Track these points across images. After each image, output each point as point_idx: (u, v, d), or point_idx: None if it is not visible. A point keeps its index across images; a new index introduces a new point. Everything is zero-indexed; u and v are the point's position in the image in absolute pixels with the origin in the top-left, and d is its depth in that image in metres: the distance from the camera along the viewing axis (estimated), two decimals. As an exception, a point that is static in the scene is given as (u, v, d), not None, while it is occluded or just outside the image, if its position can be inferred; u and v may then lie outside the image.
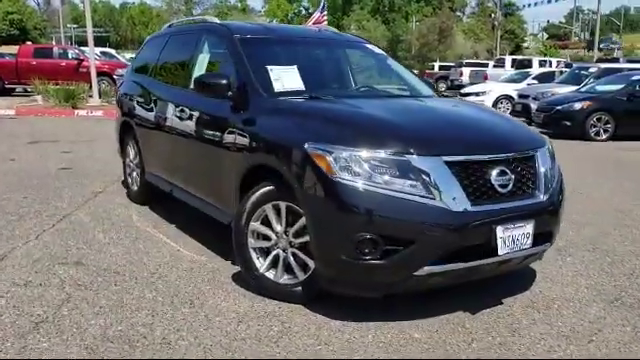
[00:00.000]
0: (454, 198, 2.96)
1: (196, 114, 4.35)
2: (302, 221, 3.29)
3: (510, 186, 3.15)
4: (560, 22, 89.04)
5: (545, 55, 43.69)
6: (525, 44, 65.86)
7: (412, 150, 3.00)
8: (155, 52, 5.54)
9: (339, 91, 4.49)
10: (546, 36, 69.03)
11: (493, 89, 18.79)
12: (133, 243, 4.54)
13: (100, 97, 16.40)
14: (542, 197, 3.29)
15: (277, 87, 3.86)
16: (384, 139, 3.07)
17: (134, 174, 5.79)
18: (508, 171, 3.15)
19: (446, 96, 4.57)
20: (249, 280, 3.60)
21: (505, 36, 56.17)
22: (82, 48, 23.15)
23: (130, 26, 46.26)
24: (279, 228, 3.43)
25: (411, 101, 4.15)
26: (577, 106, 12.12)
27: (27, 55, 20.94)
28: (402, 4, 66.10)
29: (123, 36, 44.70)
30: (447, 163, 3.02)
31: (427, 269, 2.99)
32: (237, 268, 3.97)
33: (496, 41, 45.57)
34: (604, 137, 12.14)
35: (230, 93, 3.87)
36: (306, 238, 3.30)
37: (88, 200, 5.88)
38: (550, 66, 26.20)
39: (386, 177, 2.96)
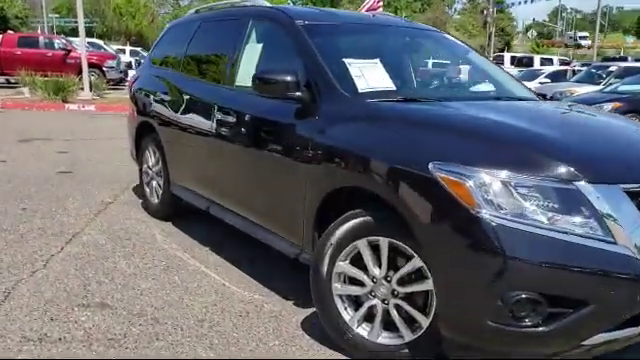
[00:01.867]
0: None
1: (247, 118, 3.54)
2: (413, 264, 2.50)
3: None
4: (544, 20, 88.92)
5: (538, 53, 43.27)
6: (515, 41, 65.52)
7: (583, 175, 2.21)
8: (181, 42, 4.69)
9: (434, 91, 3.68)
10: (535, 34, 68.68)
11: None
12: (165, 274, 3.70)
13: (91, 90, 15.39)
14: None
15: (361, 86, 3.05)
16: (544, 160, 2.28)
17: (154, 184, 4.94)
18: None
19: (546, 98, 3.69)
20: (331, 334, 2.81)
21: (496, 33, 55.64)
22: (69, 38, 22.00)
23: (117, 17, 44.88)
24: (377, 272, 2.63)
25: (533, 106, 3.35)
26: (606, 107, 11.42)
27: (11, 44, 19.79)
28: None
29: (109, 27, 43.32)
30: (629, 194, 2.23)
31: (600, 337, 2.22)
32: (303, 311, 3.19)
33: (489, 38, 44.92)
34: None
35: (298, 93, 3.06)
36: (417, 287, 2.53)
37: (98, 213, 5.02)
38: (552, 64, 25.62)
39: (549, 213, 2.17)
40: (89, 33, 30.33)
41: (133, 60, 26.16)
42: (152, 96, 4.77)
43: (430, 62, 4.19)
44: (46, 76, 15.66)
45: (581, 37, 61.03)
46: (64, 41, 20.71)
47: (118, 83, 20.76)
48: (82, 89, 15.11)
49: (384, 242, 2.58)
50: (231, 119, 3.63)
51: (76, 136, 9.39)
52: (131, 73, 16.29)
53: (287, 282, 3.59)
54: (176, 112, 4.36)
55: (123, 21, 44.56)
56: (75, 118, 11.98)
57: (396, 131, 2.61)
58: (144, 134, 5.02)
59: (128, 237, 4.41)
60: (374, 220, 2.60)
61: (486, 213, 2.18)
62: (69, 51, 19.62)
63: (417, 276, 2.53)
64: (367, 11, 11.06)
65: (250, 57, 3.76)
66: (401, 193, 2.44)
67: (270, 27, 3.73)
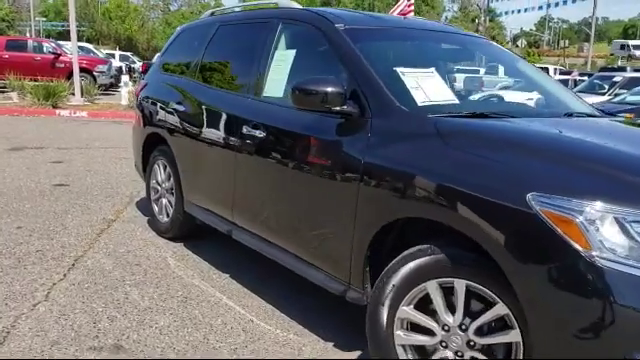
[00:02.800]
0: None
1: (280, 134, 3.14)
2: (496, 311, 2.12)
3: None
4: (530, 29, 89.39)
5: (529, 62, 43.22)
6: (505, 50, 65.57)
7: None
8: (196, 48, 4.28)
9: (498, 105, 3.28)
10: (525, 43, 68.96)
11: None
12: (184, 308, 3.29)
13: (82, 95, 14.89)
14: None
15: (420, 99, 2.66)
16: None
17: (164, 201, 4.51)
18: None
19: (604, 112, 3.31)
20: (391, 389, 2.40)
21: (487, 42, 55.60)
22: (59, 42, 21.46)
23: (106, 21, 44.23)
24: (450, 319, 2.24)
25: (617, 126, 2.98)
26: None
27: (-2, 47, 19.23)
28: (382, 7, 65.24)
29: (98, 31, 42.69)
30: None
31: None
32: (350, 355, 2.78)
33: (481, 46, 44.87)
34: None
35: (345, 107, 2.67)
36: (499, 338, 2.14)
37: (101, 232, 4.58)
38: (547, 73, 25.44)
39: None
40: (78, 37, 29.73)
41: (123, 65, 25.65)
42: (163, 106, 4.35)
43: (482, 70, 3.81)
44: (35, 80, 15.15)
45: (635, 46, 54.26)
46: (53, 45, 20.18)
47: (108, 88, 20.25)
48: (73, 94, 14.60)
49: (460, 285, 2.19)
50: (260, 134, 3.23)
51: (70, 144, 8.91)
52: (124, 79, 15.80)
53: (324, 316, 3.20)
54: (193, 124, 3.96)
55: (113, 25, 43.95)
56: (67, 125, 11.49)
57: (478, 154, 2.21)
58: (153, 146, 4.60)
59: (137, 262, 3.98)
60: (448, 259, 2.21)
61: (602, 256, 1.80)
62: (58, 55, 19.08)
63: (500, 325, 2.15)
64: (399, 15, 10.69)
65: (280, 65, 3.36)
66: (487, 229, 2.05)
67: (304, 31, 3.34)
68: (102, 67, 20.04)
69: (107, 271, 3.77)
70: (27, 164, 7.18)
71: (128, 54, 32.81)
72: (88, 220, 4.90)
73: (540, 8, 35.22)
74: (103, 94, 17.91)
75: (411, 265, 2.31)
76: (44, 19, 51.05)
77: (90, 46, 26.40)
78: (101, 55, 24.45)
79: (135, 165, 5.17)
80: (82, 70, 17.52)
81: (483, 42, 3.81)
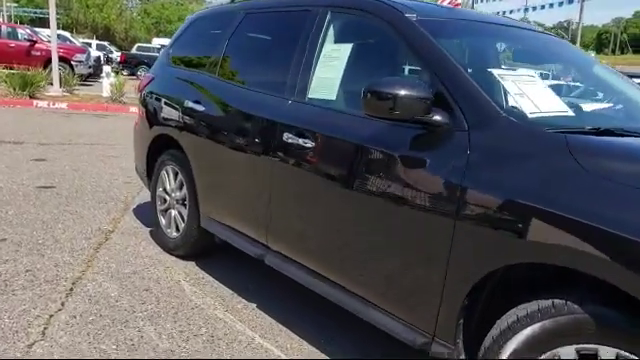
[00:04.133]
0: None
1: (339, 145, 2.60)
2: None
3: None
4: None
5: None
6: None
7: None
8: (215, 39, 3.72)
9: (612, 119, 2.75)
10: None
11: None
12: (212, 349, 2.74)
13: (61, 86, 14.09)
14: None
15: (529, 109, 2.15)
16: None
17: (173, 213, 3.93)
18: None
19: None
20: None
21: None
22: (35, 29, 20.50)
23: (83, 8, 42.85)
24: (591, 394, 1.73)
25: None
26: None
27: (-30, 33, 18.24)
28: None
29: (74, 18, 41.33)
30: None
31: None
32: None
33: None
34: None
35: (432, 116, 2.15)
36: None
37: (99, 247, 3.99)
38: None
39: None
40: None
41: (102, 55, 24.72)
42: (176, 104, 3.77)
43: (569, 74, 3.32)
44: (10, 68, 14.30)
45: None
46: (29, 31, 19.24)
47: (86, 79, 19.38)
48: (51, 84, 13.80)
49: (608, 353, 1.69)
50: (307, 144, 2.69)
51: (52, 139, 8.21)
52: (105, 69, 15.03)
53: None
54: (215, 127, 3.40)
55: (90, 13, 42.61)
56: (47, 117, 10.73)
57: (634, 185, 1.70)
58: (161, 149, 4.02)
59: (146, 286, 3.41)
60: (593, 320, 1.70)
61: None
62: (34, 42, 18.18)
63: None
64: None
65: (330, 62, 2.82)
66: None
67: (362, 22, 2.80)
68: (80, 56, 19.18)
69: (113, 299, 3.19)
70: (6, 162, 6.50)
71: (105, 44, 31.78)
72: (82, 231, 4.30)
73: (526, 10, 35.10)
74: (82, 85, 17.07)
75: (536, 327, 1.79)
76: (15, 4, 49.31)
77: (67, 34, 25.38)
78: (78, 44, 23.49)
79: (136, 169, 4.57)
80: (60, 59, 16.68)
81: (561, 42, 3.31)
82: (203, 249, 3.82)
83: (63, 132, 9.00)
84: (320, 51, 2.89)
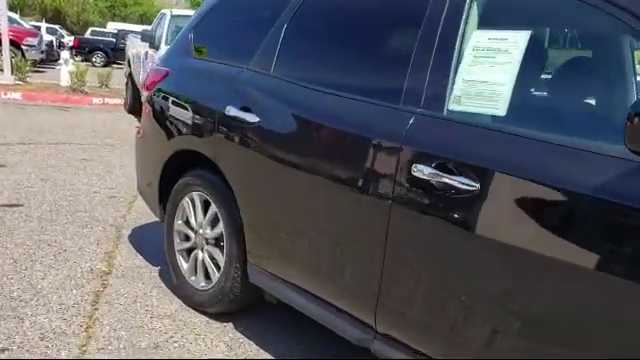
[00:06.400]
0: None
1: (524, 193, 1.64)
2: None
3: None
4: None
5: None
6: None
7: None
8: (263, 22, 2.72)
9: None
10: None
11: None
12: None
13: (12, 73, 12.61)
14: None
15: None
16: None
17: (200, 256, 2.92)
18: None
19: None
20: None
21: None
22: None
23: (31, -12, 40.16)
24: None
25: None
26: None
27: None
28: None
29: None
30: None
31: None
32: None
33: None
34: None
35: None
36: None
37: (97, 301, 2.96)
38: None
39: None
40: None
41: (54, 39, 22.95)
42: (210, 110, 2.75)
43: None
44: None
45: None
46: (-29, 11, 17.41)
47: (37, 64, 17.73)
48: (1, 71, 12.31)
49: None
50: (466, 185, 1.73)
51: (9, 138, 6.96)
52: (64, 55, 13.59)
53: None
54: (280, 147, 2.41)
55: (38, -7, 40.00)
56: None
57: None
58: (183, 169, 2.98)
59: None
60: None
61: None
62: (-23, 23, 16.43)
63: None
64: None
65: (487, 58, 1.86)
66: None
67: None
68: (32, 40, 17.54)
69: (137, 400, 2.17)
70: (-44, 169, 5.29)
71: (56, 27, 29.72)
72: (69, 275, 3.24)
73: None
74: (34, 71, 15.51)
75: None
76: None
77: (16, 16, 23.39)
78: (28, 26, 21.64)
79: (140, 191, 3.51)
80: (9, 43, 15.08)
81: None
82: (247, 305, 2.83)
83: (20, 128, 7.73)
84: (464, 40, 1.93)
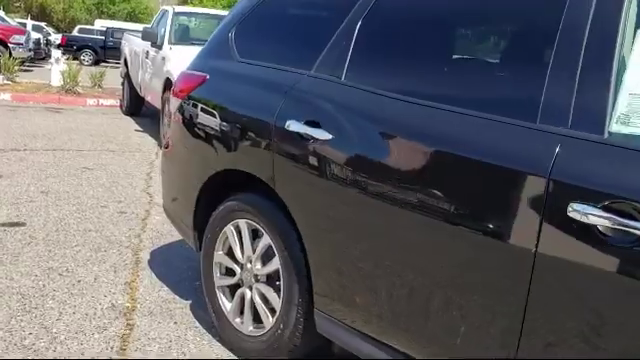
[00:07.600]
0: None
1: None
2: None
3: None
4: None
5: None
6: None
7: None
8: (334, 15, 2.27)
9: None
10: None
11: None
12: None
13: (1, 72, 12.03)
14: None
15: None
16: None
17: (249, 295, 2.47)
18: None
19: None
20: None
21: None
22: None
23: (15, -16, 39.20)
24: None
25: None
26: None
27: None
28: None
29: (5, -4, 37.68)
30: None
31: None
32: None
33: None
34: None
35: None
36: None
37: (124, 347, 2.49)
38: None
39: None
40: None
41: (41, 37, 22.25)
42: (264, 124, 2.29)
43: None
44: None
45: None
46: (-44, 8, 16.78)
47: (23, 63, 17.07)
48: (-11, 70, 11.75)
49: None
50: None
51: (2, 144, 6.43)
52: (54, 54, 13.01)
53: None
54: (364, 171, 1.94)
55: (22, -10, 39.12)
56: (-13, 112, 8.82)
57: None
58: (223, 192, 2.53)
59: None
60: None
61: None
62: (-39, 20, 15.82)
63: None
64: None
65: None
66: None
67: None
68: (19, 38, 16.94)
69: None
70: (-53, 181, 4.78)
71: (42, 24, 28.95)
72: (87, 313, 2.78)
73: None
74: (22, 71, 14.89)
75: None
76: None
77: (1, 13, 22.68)
78: (14, 24, 20.93)
79: (167, 213, 3.05)
80: (-7, 41, 14.52)
81: None
82: (306, 356, 2.38)
83: (14, 133, 7.20)
84: (624, 40, 1.51)
